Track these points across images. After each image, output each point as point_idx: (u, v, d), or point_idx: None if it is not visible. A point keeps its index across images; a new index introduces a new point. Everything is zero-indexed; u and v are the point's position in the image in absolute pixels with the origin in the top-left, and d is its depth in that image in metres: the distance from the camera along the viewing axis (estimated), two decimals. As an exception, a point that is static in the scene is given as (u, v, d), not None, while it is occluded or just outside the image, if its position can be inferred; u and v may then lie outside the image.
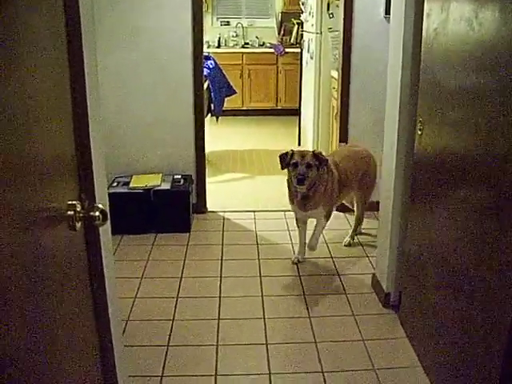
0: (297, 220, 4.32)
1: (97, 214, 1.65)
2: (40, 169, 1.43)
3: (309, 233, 4.23)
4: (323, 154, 4.04)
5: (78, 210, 1.61)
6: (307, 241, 4.24)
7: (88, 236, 1.83)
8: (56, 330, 1.51)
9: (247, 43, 9.86)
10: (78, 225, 1.61)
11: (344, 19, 4.88)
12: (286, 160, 3.93)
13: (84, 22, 1.78)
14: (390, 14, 3.50)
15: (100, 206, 1.68)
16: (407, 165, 3.31)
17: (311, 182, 3.90)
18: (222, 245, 4.56)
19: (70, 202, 1.60)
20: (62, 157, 1.66)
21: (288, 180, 4.11)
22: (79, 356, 1.76)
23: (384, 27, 4.44)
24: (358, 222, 4.63)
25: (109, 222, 2.08)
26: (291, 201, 4.16)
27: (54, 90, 1.58)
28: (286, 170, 4.01)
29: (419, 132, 2.98)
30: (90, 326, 1.90)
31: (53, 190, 1.51)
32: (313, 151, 4.00)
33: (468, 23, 2.32)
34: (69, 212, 1.58)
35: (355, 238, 4.63)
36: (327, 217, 4.22)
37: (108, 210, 2.13)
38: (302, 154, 3.92)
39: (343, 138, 5.13)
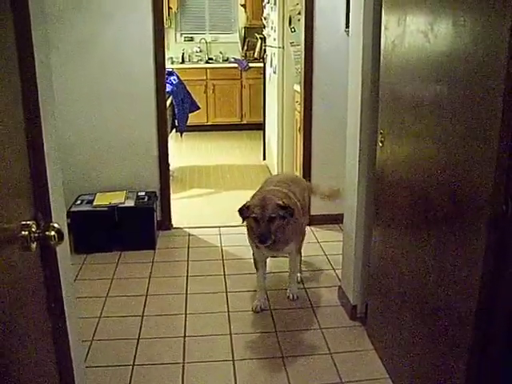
0: (255, 261, 3.83)
1: (52, 233, 1.61)
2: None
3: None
4: (286, 202, 3.48)
5: (33, 230, 1.57)
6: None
7: (44, 256, 1.78)
8: (9, 354, 1.46)
9: (211, 58, 9.87)
10: (33, 245, 1.57)
11: (305, 33, 4.93)
12: (245, 213, 3.46)
13: (36, 38, 1.75)
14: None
15: (56, 225, 1.63)
16: (370, 176, 3.33)
17: (276, 233, 3.42)
18: (188, 261, 4.52)
19: (23, 222, 1.56)
20: (15, 177, 1.62)
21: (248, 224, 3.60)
22: (36, 381, 1.71)
23: (345, 40, 4.48)
24: None
25: (67, 241, 2.04)
26: (255, 242, 3.57)
27: (5, 109, 1.54)
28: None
29: (380, 144, 3.00)
30: (48, 350, 1.85)
31: (4, 210, 1.47)
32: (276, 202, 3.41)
33: (424, 35, 2.35)
34: (23, 232, 1.54)
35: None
36: (299, 250, 3.96)
37: (66, 230, 2.10)
38: (262, 205, 3.38)
39: (307, 150, 5.15)
